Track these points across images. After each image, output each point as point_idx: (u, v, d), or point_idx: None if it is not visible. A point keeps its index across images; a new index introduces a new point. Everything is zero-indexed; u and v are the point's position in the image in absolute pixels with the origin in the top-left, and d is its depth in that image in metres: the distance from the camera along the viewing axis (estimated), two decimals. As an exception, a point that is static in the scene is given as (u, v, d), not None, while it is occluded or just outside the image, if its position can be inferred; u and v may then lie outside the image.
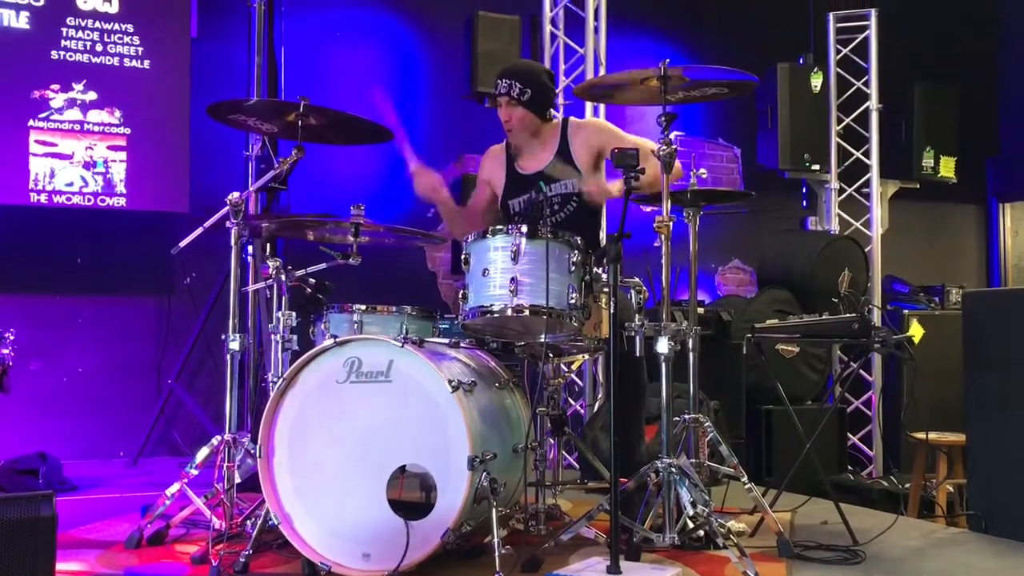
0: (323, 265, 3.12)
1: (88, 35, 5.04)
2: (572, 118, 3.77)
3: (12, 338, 3.36)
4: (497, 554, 2.58)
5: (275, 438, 2.76)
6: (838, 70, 6.22)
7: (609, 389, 2.75)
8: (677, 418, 3.16)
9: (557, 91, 4.31)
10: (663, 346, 2.96)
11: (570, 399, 5.48)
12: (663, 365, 2.98)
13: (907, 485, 4.62)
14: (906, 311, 5.70)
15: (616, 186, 3.35)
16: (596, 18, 5.52)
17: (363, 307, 3.05)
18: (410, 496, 2.74)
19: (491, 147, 3.85)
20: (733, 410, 4.93)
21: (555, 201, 3.53)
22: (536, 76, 3.61)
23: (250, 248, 3.90)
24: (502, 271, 2.80)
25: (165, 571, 2.82)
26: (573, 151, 3.59)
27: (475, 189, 3.90)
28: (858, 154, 6.21)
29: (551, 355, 3.19)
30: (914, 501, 4.48)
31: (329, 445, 2.73)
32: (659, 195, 3.05)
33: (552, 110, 3.71)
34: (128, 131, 5.09)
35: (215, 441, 3.08)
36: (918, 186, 6.56)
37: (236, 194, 3.10)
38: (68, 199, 4.96)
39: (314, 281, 3.23)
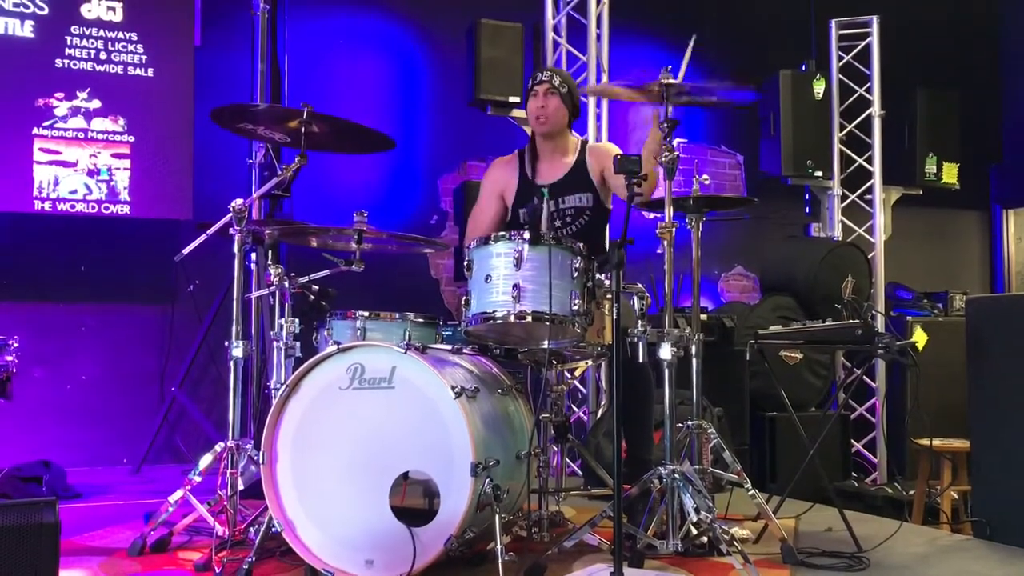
0: (326, 272, 3.12)
1: (92, 43, 5.06)
2: (591, 142, 3.86)
3: (16, 345, 3.36)
4: (500, 561, 2.57)
5: (278, 445, 2.76)
6: (840, 77, 6.23)
7: (612, 395, 2.75)
8: (680, 424, 3.16)
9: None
10: (666, 352, 2.97)
11: (573, 406, 5.48)
12: (666, 371, 2.98)
13: (911, 492, 4.61)
14: (910, 318, 5.69)
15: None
16: (598, 25, 5.54)
17: (366, 314, 3.05)
18: (413, 502, 2.73)
19: (498, 158, 3.90)
20: (736, 416, 4.92)
21: (568, 213, 3.61)
22: (573, 82, 3.79)
23: (253, 255, 3.90)
24: (505, 277, 2.80)
25: (168, 578, 2.83)
26: (590, 167, 3.69)
27: (482, 204, 3.84)
28: (861, 160, 6.21)
29: (554, 361, 3.19)
30: (918, 508, 4.47)
31: (332, 451, 2.72)
32: (662, 201, 3.05)
33: (574, 121, 3.79)
34: (132, 139, 5.10)
35: (218, 448, 3.08)
36: (921, 192, 6.56)
37: (239, 201, 3.11)
38: (72, 207, 4.97)
39: (317, 288, 3.23)
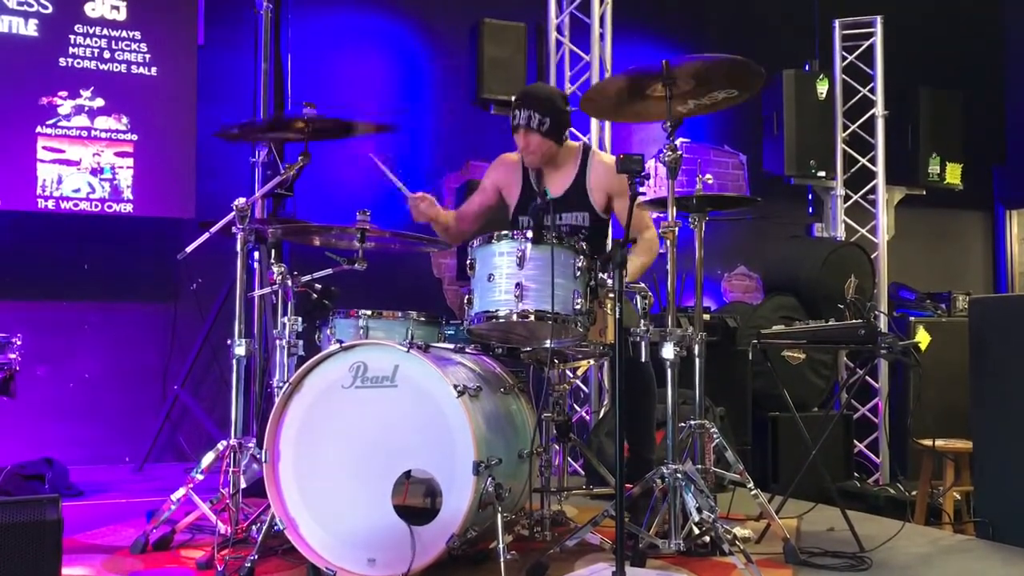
0: (329, 270, 3.12)
1: (96, 42, 5.07)
2: (595, 149, 3.78)
3: (19, 343, 3.37)
4: (502, 560, 2.58)
5: (280, 443, 2.77)
6: (844, 77, 6.22)
7: (615, 395, 2.75)
8: (683, 424, 3.16)
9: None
10: (669, 352, 2.96)
11: (575, 405, 5.48)
12: (669, 371, 2.98)
13: (914, 492, 4.60)
14: (912, 318, 5.69)
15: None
16: (601, 25, 5.53)
17: (369, 312, 3.05)
18: (415, 501, 2.73)
19: (505, 154, 3.83)
20: (739, 416, 4.92)
21: (564, 231, 3.56)
22: (553, 103, 3.56)
23: (256, 254, 3.91)
24: (507, 276, 2.80)
25: (170, 576, 2.83)
26: (589, 184, 3.60)
27: (475, 193, 3.88)
28: (864, 161, 6.20)
29: (556, 360, 3.19)
30: (921, 508, 4.46)
31: (334, 450, 2.73)
32: (665, 201, 3.05)
33: (567, 132, 3.68)
34: (135, 137, 5.11)
35: (220, 446, 3.08)
36: (924, 193, 6.55)
37: (242, 200, 3.11)
38: (75, 205, 4.98)
39: (320, 286, 3.24)
